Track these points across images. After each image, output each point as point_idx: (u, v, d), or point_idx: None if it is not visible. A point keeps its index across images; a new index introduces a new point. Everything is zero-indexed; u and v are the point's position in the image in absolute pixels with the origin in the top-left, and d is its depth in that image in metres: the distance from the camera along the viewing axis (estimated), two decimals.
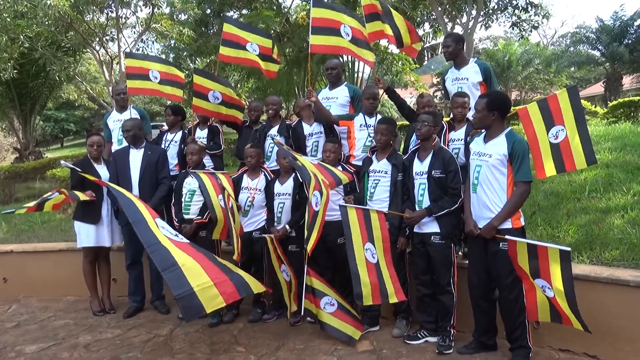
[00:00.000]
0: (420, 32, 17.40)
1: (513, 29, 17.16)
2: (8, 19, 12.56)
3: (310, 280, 4.23)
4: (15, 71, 14.26)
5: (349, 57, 15.27)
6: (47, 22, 13.09)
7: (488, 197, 3.56)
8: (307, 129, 5.00)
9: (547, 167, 3.58)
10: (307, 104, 5.08)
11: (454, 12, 15.63)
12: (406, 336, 4.17)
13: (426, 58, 18.87)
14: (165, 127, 5.79)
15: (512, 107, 4.10)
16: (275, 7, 15.86)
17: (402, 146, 4.94)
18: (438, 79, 29.06)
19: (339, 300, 4.25)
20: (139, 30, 16.15)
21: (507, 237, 3.40)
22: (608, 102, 16.05)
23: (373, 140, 4.50)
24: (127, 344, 4.41)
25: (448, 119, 4.65)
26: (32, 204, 4.82)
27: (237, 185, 4.77)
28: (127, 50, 14.73)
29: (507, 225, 3.49)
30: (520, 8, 15.92)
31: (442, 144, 4.14)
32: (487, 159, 3.55)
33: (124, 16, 15.07)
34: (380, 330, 4.37)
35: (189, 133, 5.50)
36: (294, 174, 4.69)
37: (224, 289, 3.57)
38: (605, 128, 8.68)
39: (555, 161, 3.56)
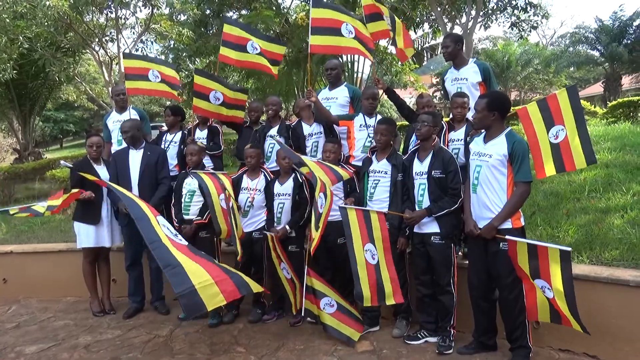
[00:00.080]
0: (420, 32, 17.42)
1: (512, 29, 17.15)
2: (7, 20, 12.56)
3: (310, 281, 4.23)
4: (14, 72, 14.27)
5: (349, 57, 15.31)
6: (46, 23, 13.10)
7: (488, 197, 3.56)
8: (306, 129, 5.00)
9: (547, 167, 3.59)
10: (307, 104, 5.08)
11: (453, 13, 15.61)
12: (406, 336, 4.17)
13: (425, 58, 18.86)
14: (165, 128, 5.78)
15: (512, 107, 4.10)
16: (274, 8, 15.85)
17: (402, 146, 4.94)
18: (437, 79, 29.09)
19: (338, 300, 4.25)
20: (138, 31, 16.15)
21: (507, 237, 3.41)
22: (607, 102, 16.07)
23: (373, 141, 4.51)
24: (127, 344, 4.41)
25: (448, 119, 4.65)
26: (23, 209, 4.85)
27: (236, 185, 4.77)
28: (127, 50, 14.72)
29: (507, 225, 3.49)
30: (520, 8, 15.91)
31: (441, 144, 4.14)
32: (487, 159, 3.56)
33: (123, 17, 15.08)
34: (380, 331, 4.37)
35: (189, 134, 5.50)
36: (293, 175, 4.70)
37: (224, 287, 3.59)
38: (604, 128, 8.69)
39: (555, 161, 3.56)
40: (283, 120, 5.33)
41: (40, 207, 4.81)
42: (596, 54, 25.45)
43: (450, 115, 4.56)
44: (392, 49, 15.99)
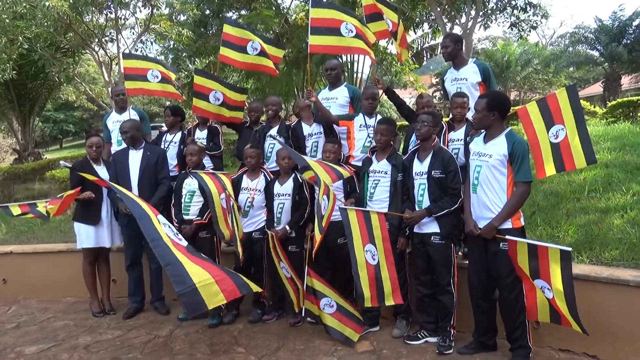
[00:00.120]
0: (420, 32, 17.44)
1: (512, 29, 17.18)
2: (7, 20, 12.57)
3: (310, 281, 4.24)
4: (14, 72, 14.27)
5: (348, 57, 15.32)
6: (46, 23, 13.09)
7: (488, 197, 3.56)
8: (306, 129, 5.00)
9: (548, 166, 3.59)
10: (307, 104, 5.08)
11: (453, 13, 15.63)
12: (406, 336, 4.17)
13: (425, 58, 18.87)
14: (165, 128, 5.78)
15: (512, 107, 4.10)
16: (274, 8, 15.85)
17: (402, 146, 4.95)
18: (437, 79, 29.08)
19: (338, 301, 4.25)
20: (138, 31, 16.15)
21: (507, 237, 3.41)
22: (607, 102, 16.06)
23: (372, 141, 4.51)
24: (127, 344, 4.41)
25: (447, 119, 4.65)
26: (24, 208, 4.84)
27: (236, 185, 4.77)
28: (126, 51, 14.72)
29: (508, 225, 3.49)
30: (519, 8, 15.93)
31: (441, 144, 4.14)
32: (487, 159, 3.56)
33: (123, 17, 15.08)
34: (381, 331, 4.37)
35: (189, 134, 5.50)
36: (293, 175, 4.70)
37: (224, 287, 3.60)
38: (604, 128, 8.70)
39: (555, 161, 3.56)
40: (283, 120, 5.33)
41: (41, 207, 4.81)
42: (596, 54, 25.46)
43: (450, 115, 4.56)
44: (391, 49, 16.03)
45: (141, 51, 16.49)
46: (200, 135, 5.51)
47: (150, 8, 14.47)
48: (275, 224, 4.62)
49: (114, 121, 5.68)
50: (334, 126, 4.89)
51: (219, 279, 3.61)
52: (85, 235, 5.03)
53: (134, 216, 4.68)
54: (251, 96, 19.50)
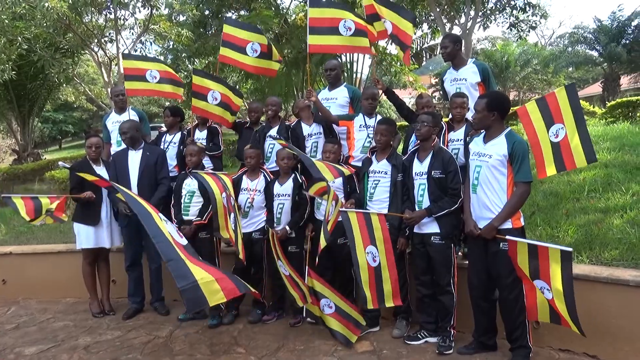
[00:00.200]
0: (419, 32, 17.43)
1: (511, 29, 17.21)
2: (6, 21, 12.58)
3: (311, 282, 4.24)
4: (13, 73, 14.28)
5: (348, 57, 15.32)
6: (45, 24, 13.10)
7: (488, 197, 3.56)
8: (306, 129, 5.00)
9: (548, 166, 3.58)
10: (306, 104, 5.09)
11: (452, 13, 15.65)
12: (406, 337, 4.17)
13: (424, 59, 18.88)
14: (164, 129, 5.78)
15: (511, 107, 4.10)
16: (273, 8, 15.86)
17: (402, 146, 4.95)
18: (436, 80, 29.08)
19: (336, 302, 4.25)
20: (137, 32, 16.17)
21: (507, 237, 3.41)
22: (606, 102, 16.07)
23: (372, 141, 4.51)
24: (126, 345, 4.40)
25: (447, 119, 4.65)
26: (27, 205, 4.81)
27: (236, 186, 4.77)
28: (126, 51, 14.72)
29: (508, 225, 3.49)
30: (519, 8, 15.95)
31: (441, 145, 4.14)
32: (487, 159, 3.56)
33: (122, 17, 15.09)
34: (381, 331, 4.37)
35: (188, 134, 5.50)
36: (293, 175, 4.70)
37: (224, 285, 3.62)
38: (603, 128, 8.70)
39: (555, 160, 3.56)
40: (283, 120, 5.33)
41: (45, 201, 4.80)
42: (595, 54, 25.47)
43: (450, 116, 4.56)
44: (391, 49, 16.04)
45: (140, 51, 16.50)
46: (200, 136, 5.51)
47: (150, 8, 14.49)
48: (275, 225, 4.62)
49: (114, 122, 5.67)
50: (334, 126, 4.89)
51: (218, 278, 3.64)
52: (85, 236, 5.02)
53: (134, 216, 4.71)
54: (250, 96, 19.53)
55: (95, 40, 15.33)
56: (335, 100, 5.09)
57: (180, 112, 5.80)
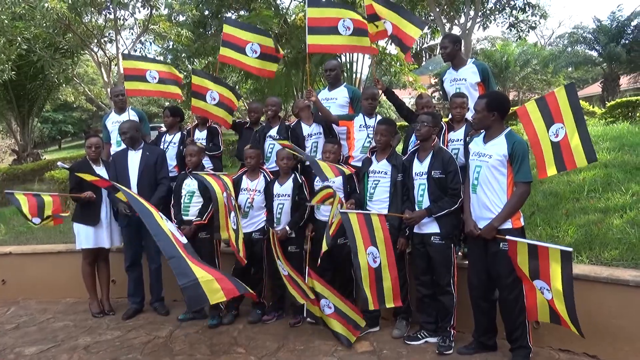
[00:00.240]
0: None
1: (510, 29, 17.21)
2: (6, 21, 12.57)
3: (311, 282, 4.24)
4: (13, 73, 14.28)
5: (347, 58, 15.32)
6: (45, 24, 13.10)
7: (488, 197, 3.56)
8: (306, 129, 5.00)
9: (549, 166, 3.58)
10: (306, 104, 5.09)
11: (452, 13, 15.66)
12: (406, 337, 4.17)
13: (424, 59, 18.88)
14: (164, 129, 5.78)
15: (511, 108, 4.10)
16: (273, 8, 15.86)
17: (402, 147, 4.95)
18: (436, 80, 29.08)
19: (336, 303, 4.24)
20: (137, 32, 16.16)
21: (507, 237, 3.41)
22: (606, 102, 16.07)
23: (372, 141, 4.51)
24: (126, 345, 4.40)
25: (447, 119, 4.65)
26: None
27: (236, 186, 4.77)
28: (125, 51, 14.72)
29: (508, 225, 3.49)
30: (518, 8, 15.95)
31: (441, 145, 4.14)
32: (487, 159, 3.56)
33: (122, 18, 15.08)
34: (381, 331, 4.37)
35: (188, 134, 5.50)
36: (293, 175, 4.70)
37: (224, 285, 3.65)
38: (603, 128, 8.70)
39: (556, 160, 3.56)
40: (283, 120, 5.32)
41: (47, 199, 4.80)
42: (594, 54, 25.47)
43: (450, 116, 4.56)
44: (390, 49, 16.04)
45: (140, 52, 16.50)
46: (200, 136, 5.51)
47: (149, 9, 14.49)
48: (275, 225, 4.62)
49: (114, 122, 5.67)
50: (334, 126, 4.89)
51: (217, 278, 3.67)
52: (85, 236, 5.02)
53: (133, 216, 4.72)
54: (250, 97, 19.52)
55: (95, 41, 15.32)
56: (335, 100, 5.09)
57: (179, 112, 5.80)
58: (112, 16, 14.48)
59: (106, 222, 5.08)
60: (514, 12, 16.22)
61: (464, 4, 14.89)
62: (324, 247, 4.06)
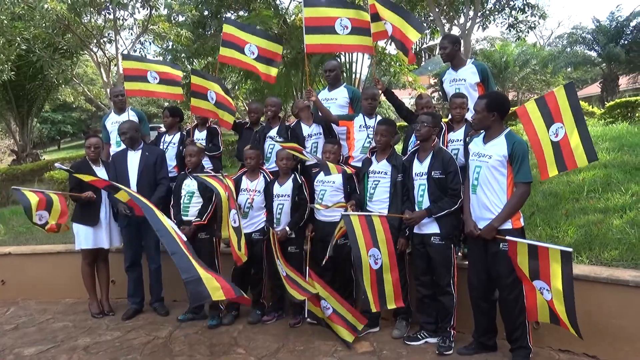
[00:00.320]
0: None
1: (510, 30, 17.21)
2: (5, 22, 12.57)
3: (311, 283, 4.24)
4: (12, 73, 14.29)
5: (347, 58, 15.32)
6: (44, 25, 13.10)
7: (488, 198, 3.57)
8: (306, 130, 5.00)
9: (550, 167, 3.58)
10: (306, 105, 5.09)
11: (451, 13, 15.67)
12: (406, 337, 4.17)
13: (423, 59, 18.88)
14: (163, 129, 5.78)
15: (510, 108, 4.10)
16: (272, 9, 15.85)
17: (402, 147, 4.95)
18: (435, 80, 29.07)
19: (334, 305, 4.24)
20: (136, 32, 16.16)
21: (507, 237, 3.41)
22: (605, 103, 16.08)
23: (372, 141, 4.51)
24: (126, 346, 4.40)
25: (446, 119, 4.66)
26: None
27: (236, 186, 4.76)
28: (125, 52, 14.72)
29: (507, 225, 3.49)
30: (518, 9, 15.96)
31: (441, 145, 4.14)
32: (487, 159, 3.56)
33: (121, 18, 15.08)
34: (380, 332, 4.37)
35: (188, 135, 5.49)
36: (293, 176, 4.70)
37: (222, 284, 3.71)
38: (602, 128, 8.71)
39: (556, 160, 3.55)
40: (283, 121, 5.32)
41: (54, 196, 4.78)
42: (593, 54, 25.46)
43: (449, 116, 4.56)
44: (390, 49, 16.04)
45: (140, 52, 16.50)
46: (200, 136, 5.50)
47: (149, 9, 14.49)
48: (274, 225, 4.62)
49: (113, 122, 5.67)
50: (334, 127, 4.89)
51: (216, 277, 3.75)
52: (84, 236, 5.02)
53: (133, 217, 4.73)
54: (249, 97, 19.51)
55: (95, 41, 15.31)
56: (335, 100, 5.09)
57: (179, 112, 5.79)
58: (111, 16, 14.48)
59: (105, 223, 5.07)
60: (514, 12, 16.23)
61: (464, 5, 14.90)
62: (328, 253, 4.10)
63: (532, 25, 17.11)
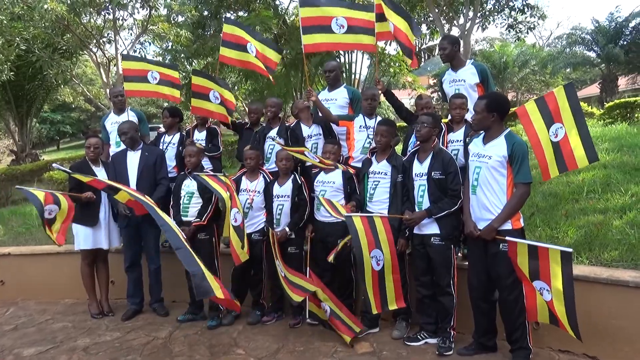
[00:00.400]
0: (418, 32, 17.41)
1: (509, 30, 17.20)
2: (5, 22, 12.56)
3: (311, 281, 4.23)
4: (11, 73, 14.27)
5: (346, 59, 15.31)
6: (43, 25, 13.08)
7: (488, 198, 3.57)
8: (305, 130, 4.99)
9: (551, 167, 3.58)
10: (306, 105, 5.09)
11: (451, 14, 15.66)
12: (406, 338, 4.17)
13: (423, 59, 18.88)
14: (163, 129, 5.77)
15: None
16: (272, 9, 15.83)
17: (401, 148, 4.95)
18: (434, 81, 29.07)
19: (331, 307, 4.23)
20: (136, 33, 16.15)
21: (507, 238, 3.41)
22: (604, 103, 16.08)
23: (372, 142, 4.51)
24: (126, 346, 4.40)
25: (446, 120, 4.66)
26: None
27: (236, 187, 4.76)
28: (124, 52, 14.71)
29: (507, 226, 3.49)
30: (517, 10, 15.96)
31: (441, 146, 4.14)
32: (487, 160, 3.56)
33: (121, 18, 15.07)
34: (380, 332, 4.37)
35: (187, 135, 5.49)
36: (292, 176, 4.70)
37: (220, 284, 3.81)
38: (601, 129, 8.71)
39: (557, 161, 3.55)
40: (283, 121, 5.32)
41: (63, 201, 4.77)
42: (593, 55, 25.46)
43: (449, 117, 4.56)
44: (389, 50, 16.03)
45: (139, 52, 16.49)
46: (199, 137, 5.51)
47: (148, 9, 14.48)
48: (274, 226, 4.61)
49: (113, 122, 5.67)
50: (334, 127, 4.89)
51: (214, 277, 3.85)
52: (83, 237, 5.01)
53: (133, 217, 4.73)
54: (249, 97, 19.50)
55: (94, 41, 15.30)
56: (335, 101, 5.09)
57: (178, 112, 5.79)
58: (111, 17, 14.47)
59: (105, 223, 5.07)
60: (513, 13, 16.22)
61: (463, 5, 14.90)
62: (332, 258, 4.14)
63: (532, 26, 17.10)
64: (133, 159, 5.02)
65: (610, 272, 3.71)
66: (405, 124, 5.76)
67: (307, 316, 4.42)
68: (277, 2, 16.62)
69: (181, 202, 4.84)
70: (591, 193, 5.28)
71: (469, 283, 3.80)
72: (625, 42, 23.40)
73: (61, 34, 14.44)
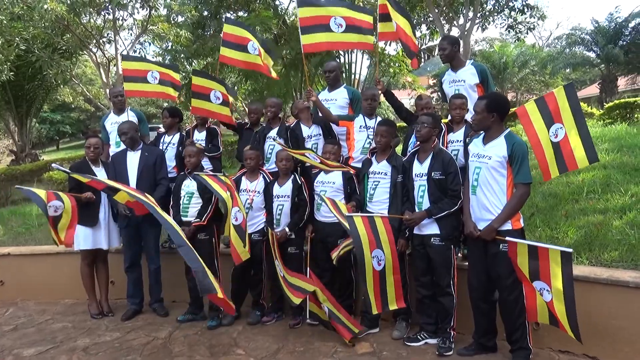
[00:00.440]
0: (418, 33, 17.42)
1: (509, 31, 17.21)
2: (4, 22, 12.55)
3: (310, 280, 4.23)
4: (11, 73, 14.26)
5: (346, 59, 15.30)
6: (43, 25, 13.08)
7: (487, 198, 3.57)
8: (305, 130, 4.99)
9: (552, 168, 3.58)
10: (306, 105, 5.09)
11: (450, 14, 15.66)
12: (406, 338, 4.16)
13: (422, 60, 18.86)
14: (163, 130, 5.77)
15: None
16: (272, 9, 15.83)
17: (401, 148, 4.95)
18: (434, 81, 29.07)
19: (330, 308, 4.23)
20: (136, 33, 16.15)
21: (507, 238, 3.41)
22: (604, 104, 16.08)
23: (372, 142, 4.51)
24: (126, 347, 4.39)
25: (446, 120, 4.66)
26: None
27: (236, 187, 4.76)
28: (124, 52, 14.72)
29: (507, 226, 3.49)
30: (517, 10, 15.97)
31: (441, 146, 4.14)
32: (487, 160, 3.56)
33: (120, 18, 15.07)
34: (380, 332, 4.37)
35: (187, 135, 5.49)
36: (292, 176, 4.70)
37: (219, 283, 3.84)
38: (601, 129, 8.71)
39: (557, 161, 3.55)
40: (283, 121, 5.32)
41: (66, 200, 4.76)
42: (592, 55, 25.47)
43: (449, 117, 4.56)
44: (389, 50, 16.03)
45: (139, 53, 16.49)
46: (199, 137, 5.51)
47: (148, 9, 14.48)
48: (274, 226, 4.61)
49: (112, 122, 5.67)
50: (334, 127, 4.89)
51: (214, 277, 3.87)
52: (83, 237, 5.00)
53: (133, 217, 4.73)
54: (249, 97, 19.49)
55: (94, 41, 15.30)
56: (335, 101, 5.09)
57: (178, 113, 5.79)
58: (110, 17, 14.47)
59: (104, 223, 5.06)
60: (513, 13, 16.22)
61: (463, 5, 14.90)
62: (334, 260, 4.15)
63: (531, 27, 17.11)
64: (133, 159, 5.02)
65: (610, 273, 3.71)
66: (405, 124, 5.76)
67: (307, 316, 4.42)
68: (277, 2, 16.62)
69: (181, 202, 4.83)
70: (591, 193, 5.28)
71: (469, 283, 3.80)
72: (624, 43, 23.42)
73: (61, 34, 14.44)
